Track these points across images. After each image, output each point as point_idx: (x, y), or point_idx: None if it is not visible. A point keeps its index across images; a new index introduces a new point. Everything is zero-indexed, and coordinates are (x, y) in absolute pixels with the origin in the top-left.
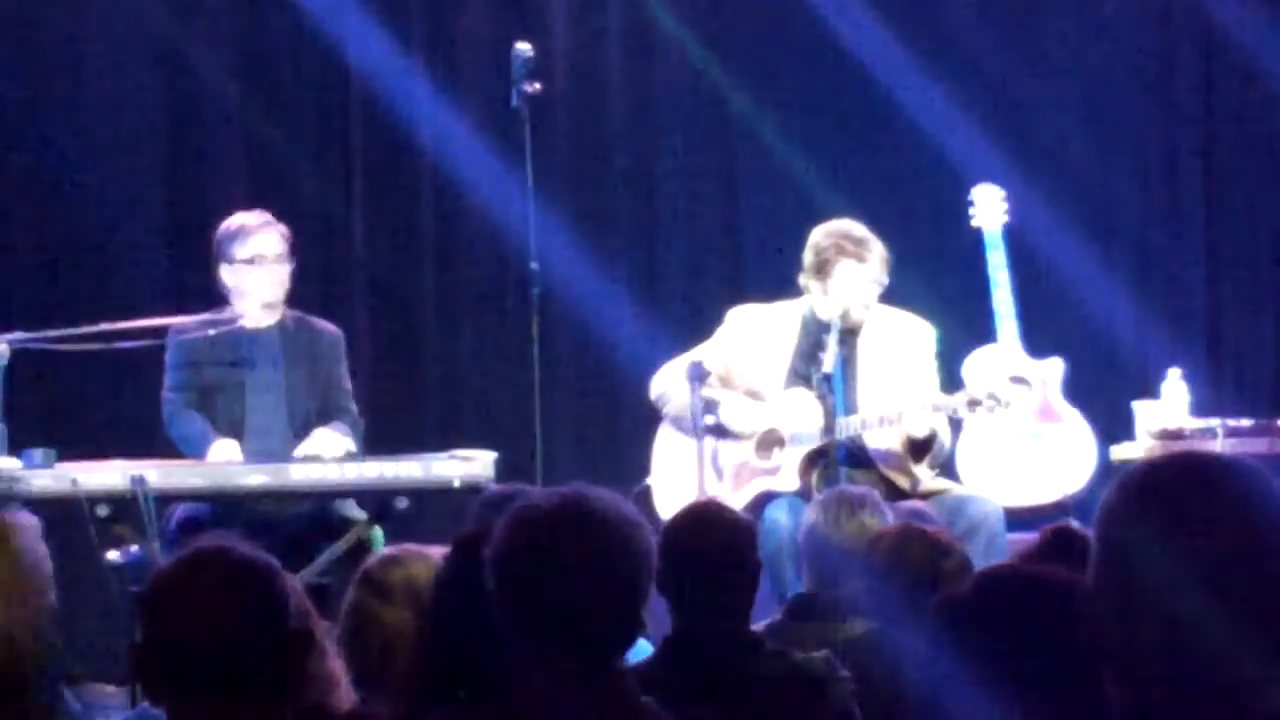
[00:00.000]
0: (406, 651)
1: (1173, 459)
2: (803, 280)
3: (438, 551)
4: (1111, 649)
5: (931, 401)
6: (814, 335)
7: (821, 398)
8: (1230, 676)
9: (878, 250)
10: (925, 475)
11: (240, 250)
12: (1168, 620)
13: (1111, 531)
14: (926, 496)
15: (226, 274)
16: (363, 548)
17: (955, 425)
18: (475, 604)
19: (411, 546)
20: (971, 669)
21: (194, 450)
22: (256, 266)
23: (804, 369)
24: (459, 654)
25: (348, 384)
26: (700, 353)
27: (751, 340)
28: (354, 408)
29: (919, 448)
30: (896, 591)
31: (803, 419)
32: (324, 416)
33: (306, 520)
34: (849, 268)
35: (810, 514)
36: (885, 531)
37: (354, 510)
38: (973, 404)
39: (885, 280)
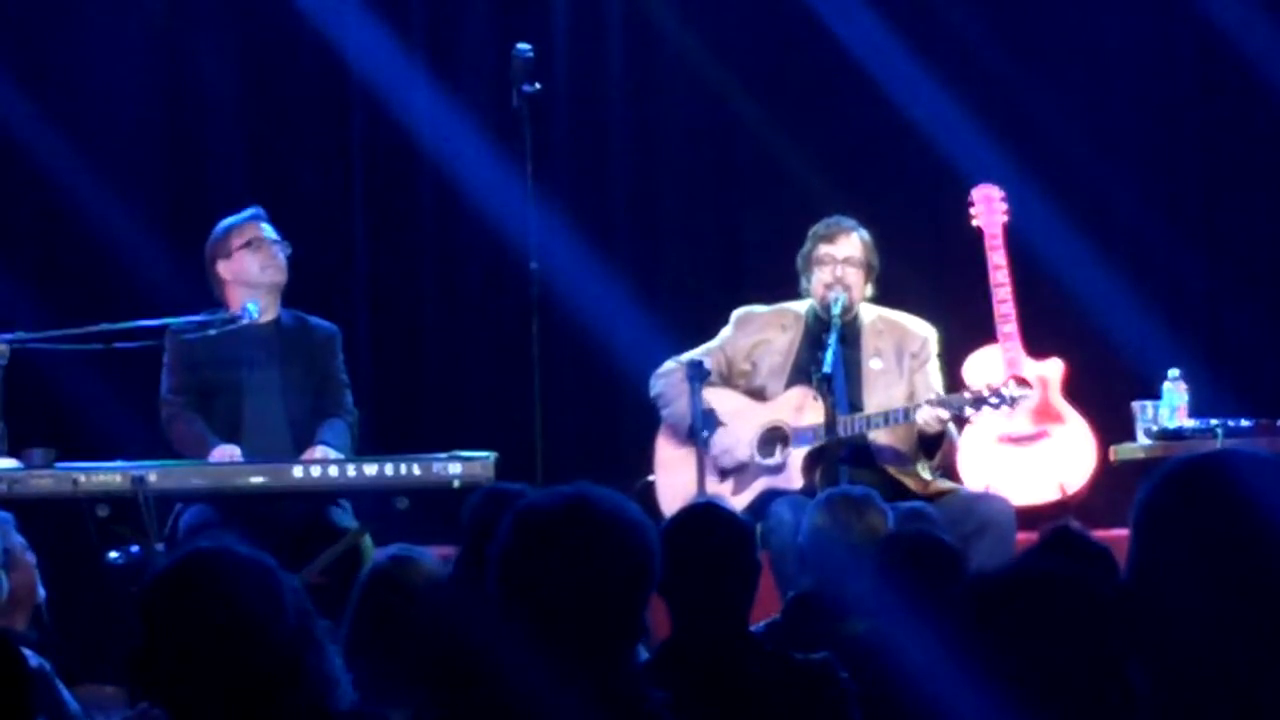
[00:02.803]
0: (417, 648)
1: (1208, 458)
2: (801, 277)
3: (439, 552)
4: (1146, 647)
5: (939, 399)
6: (816, 335)
7: (821, 397)
8: (1264, 676)
9: (854, 234)
10: (928, 475)
11: (237, 239)
12: (1203, 620)
13: (1147, 531)
14: (936, 496)
15: (225, 268)
16: (355, 554)
17: (957, 425)
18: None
19: (413, 548)
20: (975, 667)
21: (193, 454)
22: (255, 249)
23: (807, 368)
24: (467, 653)
25: (344, 377)
26: (703, 351)
27: (755, 339)
28: (349, 401)
29: (929, 444)
30: (902, 595)
31: (806, 417)
32: (321, 414)
33: (301, 524)
34: (820, 251)
35: (814, 514)
36: (896, 536)
37: (346, 519)
38: (978, 402)
39: (864, 261)
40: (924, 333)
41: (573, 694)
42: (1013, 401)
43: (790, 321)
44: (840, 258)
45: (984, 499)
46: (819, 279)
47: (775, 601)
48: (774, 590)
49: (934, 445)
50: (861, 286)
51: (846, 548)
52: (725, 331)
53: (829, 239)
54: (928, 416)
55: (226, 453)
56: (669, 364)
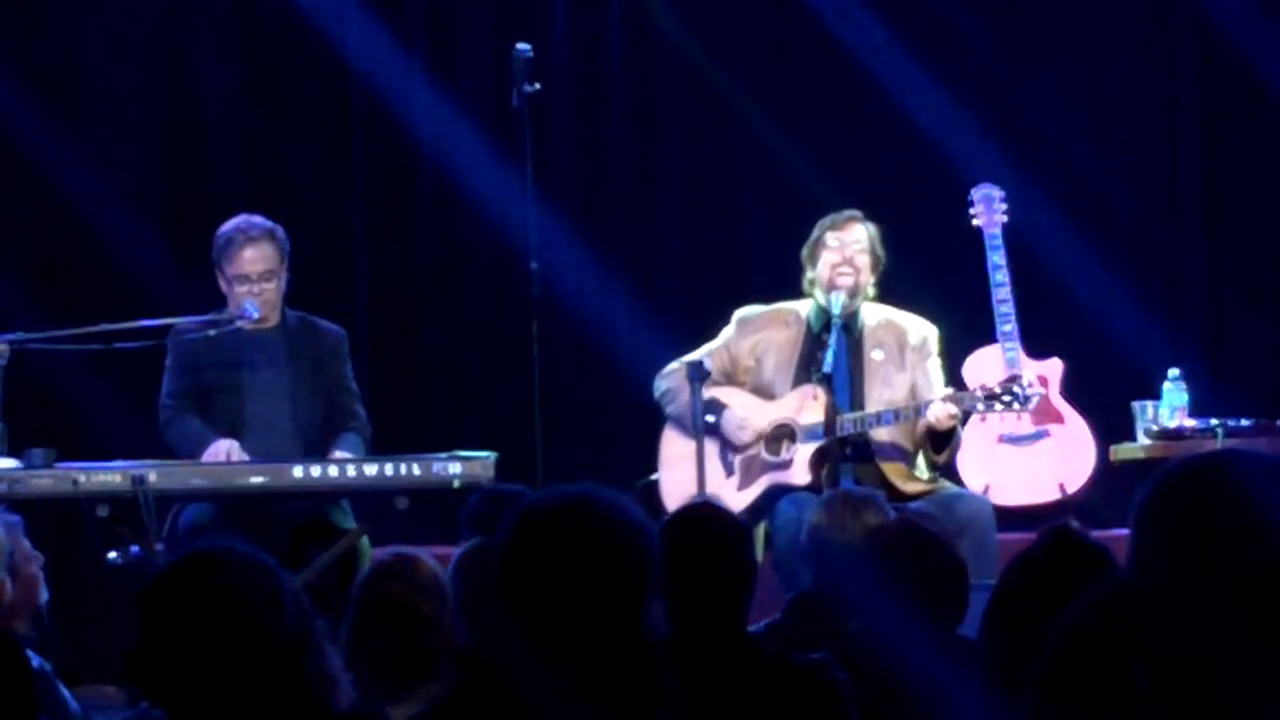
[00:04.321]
0: (433, 641)
1: (1207, 459)
2: (804, 279)
3: (438, 552)
4: (1145, 648)
5: (953, 396)
6: (818, 332)
7: (823, 396)
8: (1265, 677)
9: (861, 225)
10: (923, 473)
11: (228, 266)
12: (1203, 620)
13: (1147, 532)
14: (918, 496)
15: (221, 281)
16: (354, 554)
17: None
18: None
19: (410, 549)
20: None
21: (191, 454)
22: (240, 285)
23: (809, 367)
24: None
25: (354, 385)
26: (705, 351)
27: (757, 337)
28: (362, 410)
29: (939, 440)
30: (891, 589)
31: (808, 416)
32: (331, 421)
33: (301, 524)
34: (829, 239)
35: (814, 514)
36: (882, 527)
37: (346, 519)
38: (990, 399)
39: (874, 251)
40: (924, 330)
41: (568, 694)
42: (1026, 400)
43: (792, 319)
44: (850, 241)
45: (962, 499)
46: (826, 260)
47: (779, 601)
48: (777, 589)
49: (943, 441)
50: (869, 271)
51: (842, 547)
52: (727, 331)
53: (837, 227)
54: (940, 413)
55: (223, 447)
56: (672, 365)
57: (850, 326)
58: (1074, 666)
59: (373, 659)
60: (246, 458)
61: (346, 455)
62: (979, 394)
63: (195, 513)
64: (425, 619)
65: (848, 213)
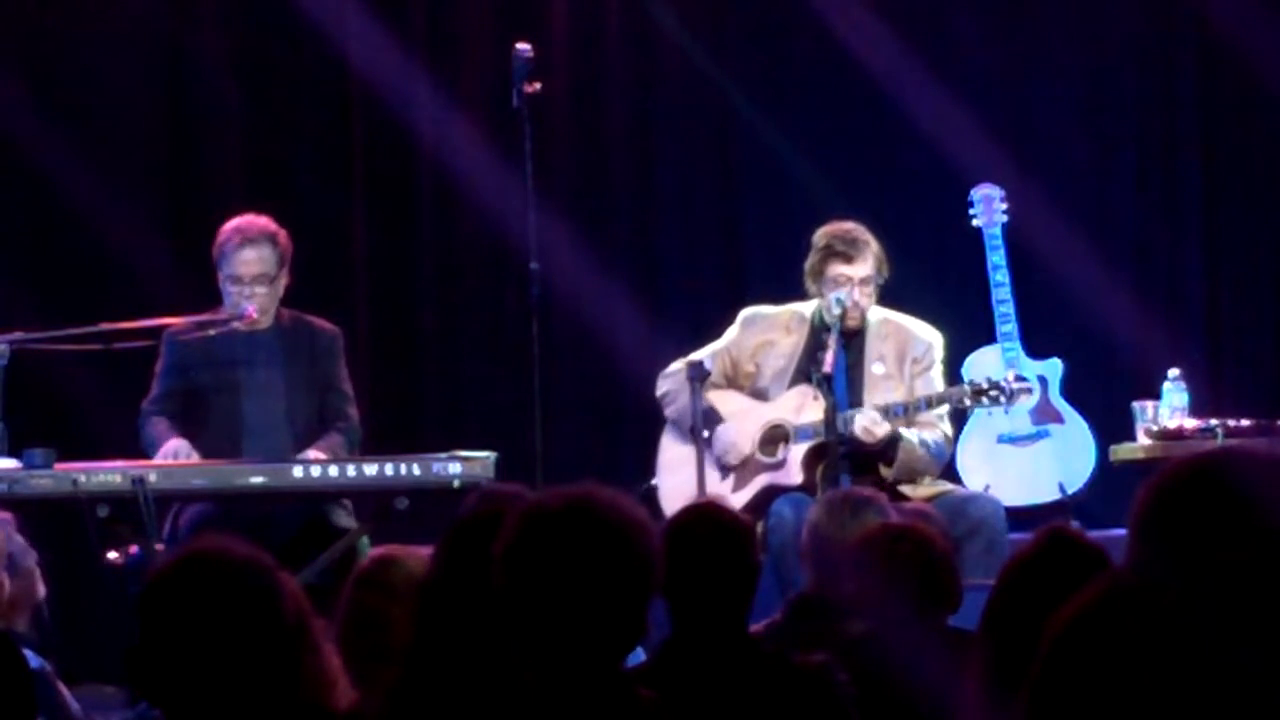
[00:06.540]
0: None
1: (1208, 458)
2: (807, 282)
3: (428, 551)
4: (1145, 644)
5: (936, 395)
6: (819, 336)
7: (821, 396)
8: (1266, 677)
9: (868, 250)
10: (927, 479)
11: (225, 266)
12: (1204, 621)
13: (1147, 531)
14: (927, 499)
15: (220, 280)
16: (353, 555)
17: (958, 423)
18: (469, 602)
19: (399, 546)
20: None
21: (152, 456)
22: (233, 286)
23: (809, 369)
24: (451, 651)
25: (346, 385)
26: (709, 351)
27: (760, 340)
28: (353, 411)
29: (885, 453)
30: (886, 590)
31: (805, 416)
32: (323, 420)
33: (301, 524)
34: (835, 269)
35: (813, 513)
36: (874, 529)
37: (346, 519)
38: (976, 394)
39: (879, 279)
40: (929, 338)
41: (570, 695)
42: (1012, 395)
43: (796, 324)
44: (857, 279)
45: (974, 500)
46: (841, 298)
47: (776, 601)
48: (775, 590)
49: (888, 454)
50: (873, 298)
51: (841, 547)
52: (731, 332)
53: (846, 259)
54: (865, 422)
55: (172, 447)
56: (675, 364)
57: (853, 334)
58: (1065, 666)
59: (354, 663)
60: (196, 457)
61: (320, 455)
62: (967, 389)
63: (195, 513)
64: (396, 624)
65: (853, 239)
